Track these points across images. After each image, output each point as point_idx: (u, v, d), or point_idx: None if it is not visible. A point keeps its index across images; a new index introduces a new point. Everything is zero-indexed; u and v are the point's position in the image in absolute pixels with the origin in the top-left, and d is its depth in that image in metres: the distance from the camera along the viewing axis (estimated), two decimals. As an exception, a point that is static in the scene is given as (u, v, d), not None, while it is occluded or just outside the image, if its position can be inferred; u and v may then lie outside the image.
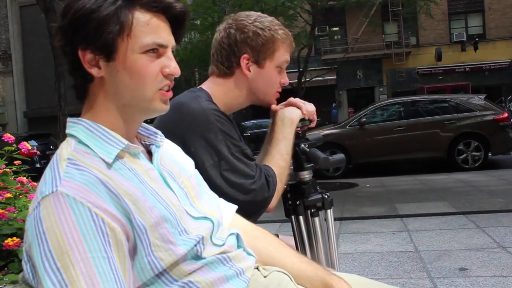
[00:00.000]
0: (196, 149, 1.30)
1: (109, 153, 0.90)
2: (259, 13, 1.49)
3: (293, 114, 1.52)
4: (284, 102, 1.58)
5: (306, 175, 1.52)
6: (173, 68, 0.95)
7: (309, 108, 1.55)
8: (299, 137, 1.52)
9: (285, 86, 1.59)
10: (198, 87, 1.48)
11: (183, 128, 1.32)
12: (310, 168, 1.51)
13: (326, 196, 1.54)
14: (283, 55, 1.47)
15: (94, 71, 0.91)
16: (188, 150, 1.23)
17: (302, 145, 1.51)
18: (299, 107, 1.54)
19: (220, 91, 1.47)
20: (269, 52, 1.45)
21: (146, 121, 1.06)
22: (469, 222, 4.81)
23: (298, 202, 1.51)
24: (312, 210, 1.50)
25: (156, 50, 0.93)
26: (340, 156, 1.55)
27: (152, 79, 0.93)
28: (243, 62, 1.44)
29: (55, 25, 0.91)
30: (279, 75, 1.49)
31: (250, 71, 1.45)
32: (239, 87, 1.47)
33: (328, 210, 1.54)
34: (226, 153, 1.35)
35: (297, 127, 1.52)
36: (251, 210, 1.31)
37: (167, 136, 1.13)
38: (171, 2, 0.94)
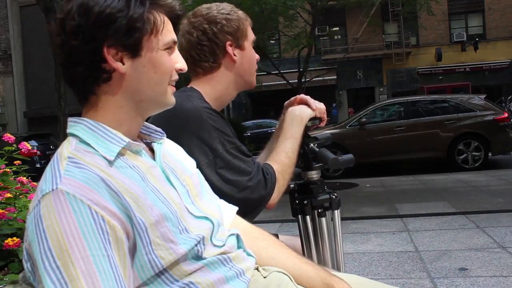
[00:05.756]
0: (190, 148, 1.29)
1: (111, 151, 0.91)
2: (213, 4, 1.50)
3: (304, 113, 1.51)
4: (294, 97, 1.57)
5: (314, 174, 1.50)
6: (183, 63, 1.02)
7: (319, 106, 1.54)
8: (308, 136, 1.51)
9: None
10: (189, 87, 1.47)
11: (176, 127, 1.30)
12: (319, 168, 1.50)
13: (334, 196, 1.52)
14: (251, 32, 1.52)
15: (119, 66, 0.92)
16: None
17: (312, 145, 1.49)
18: (309, 104, 1.53)
19: (208, 88, 1.47)
20: (244, 32, 1.49)
21: None
22: (469, 222, 4.81)
23: (305, 202, 1.49)
24: (319, 210, 1.48)
25: (171, 48, 0.99)
26: (349, 156, 1.52)
27: (170, 73, 0.99)
28: (229, 49, 1.46)
29: (72, 23, 0.90)
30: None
31: (236, 56, 1.47)
32: (228, 76, 1.49)
33: (336, 211, 1.52)
34: (221, 150, 1.34)
35: (307, 126, 1.51)
36: (247, 208, 1.29)
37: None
38: (176, 7, 1.01)
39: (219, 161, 1.33)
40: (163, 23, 0.97)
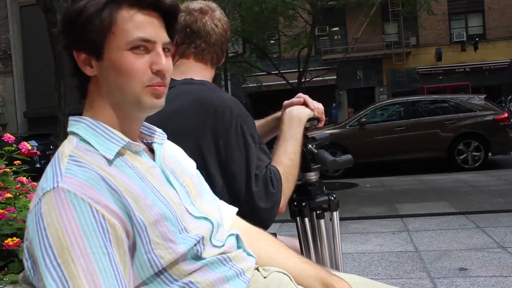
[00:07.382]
0: (229, 141, 1.30)
1: (110, 150, 0.91)
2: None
3: (302, 113, 1.49)
4: (294, 98, 1.56)
5: (313, 176, 1.49)
6: (162, 64, 0.92)
7: (318, 106, 1.53)
8: (306, 137, 1.49)
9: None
10: (198, 80, 1.42)
11: (213, 122, 1.30)
12: (317, 169, 1.48)
13: (332, 197, 1.50)
14: None
15: (87, 70, 0.93)
16: (217, 144, 1.28)
17: (310, 146, 1.48)
18: (307, 104, 1.51)
19: (209, 78, 1.49)
20: None
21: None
22: (469, 222, 4.81)
23: (303, 204, 1.47)
24: (318, 212, 1.47)
25: (143, 47, 0.92)
26: (347, 157, 1.51)
27: (139, 76, 0.91)
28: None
29: (56, 31, 0.96)
30: None
31: None
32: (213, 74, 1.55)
33: (334, 212, 1.50)
34: (250, 142, 1.34)
35: (305, 127, 1.50)
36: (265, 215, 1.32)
37: (195, 135, 1.22)
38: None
39: (254, 151, 1.34)
40: (116, 19, 0.90)
